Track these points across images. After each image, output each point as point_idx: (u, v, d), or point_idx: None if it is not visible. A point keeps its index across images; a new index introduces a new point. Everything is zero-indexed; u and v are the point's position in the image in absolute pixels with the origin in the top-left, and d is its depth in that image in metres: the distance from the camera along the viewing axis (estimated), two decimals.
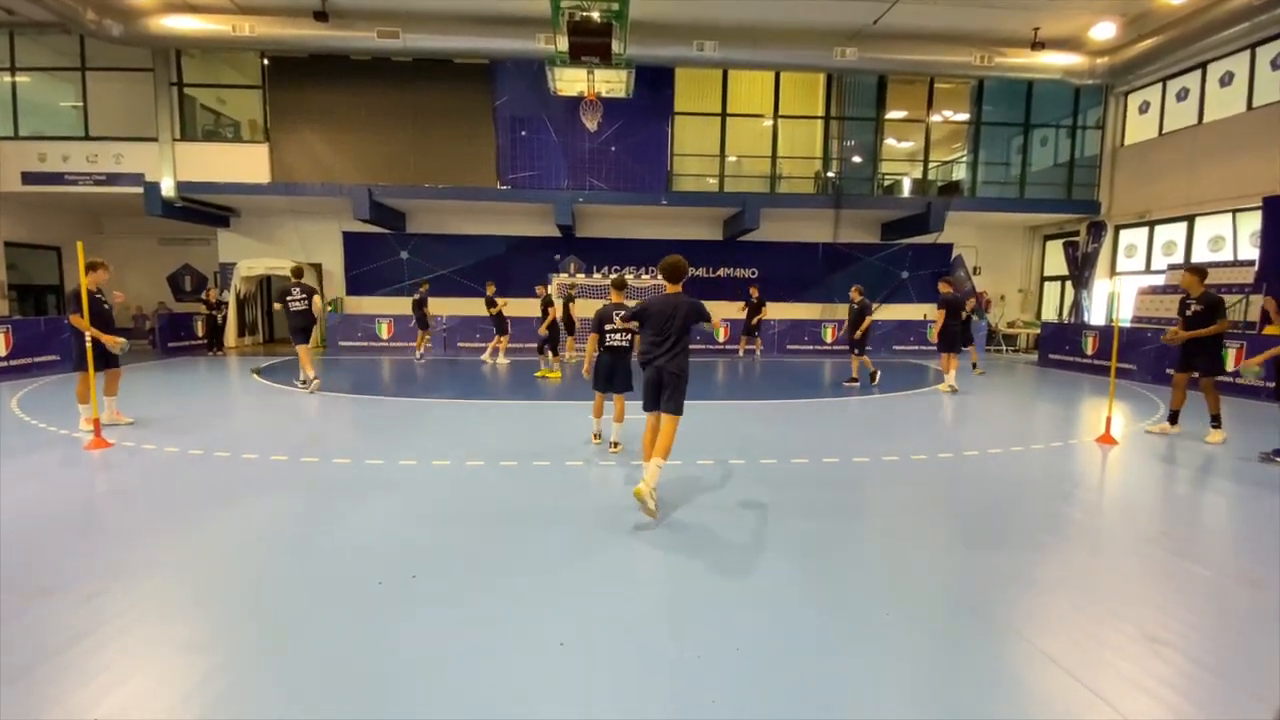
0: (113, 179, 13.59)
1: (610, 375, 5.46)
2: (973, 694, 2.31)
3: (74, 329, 6.05)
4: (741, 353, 14.42)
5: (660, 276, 4.38)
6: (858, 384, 9.79)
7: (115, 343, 6.19)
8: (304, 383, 8.70)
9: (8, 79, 13.63)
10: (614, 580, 3.20)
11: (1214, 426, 6.25)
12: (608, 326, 5.32)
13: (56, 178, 13.52)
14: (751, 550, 3.58)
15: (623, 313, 5.14)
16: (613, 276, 5.74)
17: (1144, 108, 14.39)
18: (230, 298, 14.68)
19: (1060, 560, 3.55)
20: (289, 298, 8.57)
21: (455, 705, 2.21)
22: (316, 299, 8.62)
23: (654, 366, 4.24)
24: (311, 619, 2.79)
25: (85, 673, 2.36)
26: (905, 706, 2.24)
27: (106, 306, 6.35)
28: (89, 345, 5.82)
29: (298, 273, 8.82)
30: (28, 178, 13.51)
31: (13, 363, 10.26)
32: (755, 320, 13.85)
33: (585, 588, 3.10)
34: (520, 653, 2.54)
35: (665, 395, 4.20)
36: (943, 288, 9.68)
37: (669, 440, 4.14)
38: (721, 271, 16.13)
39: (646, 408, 4.36)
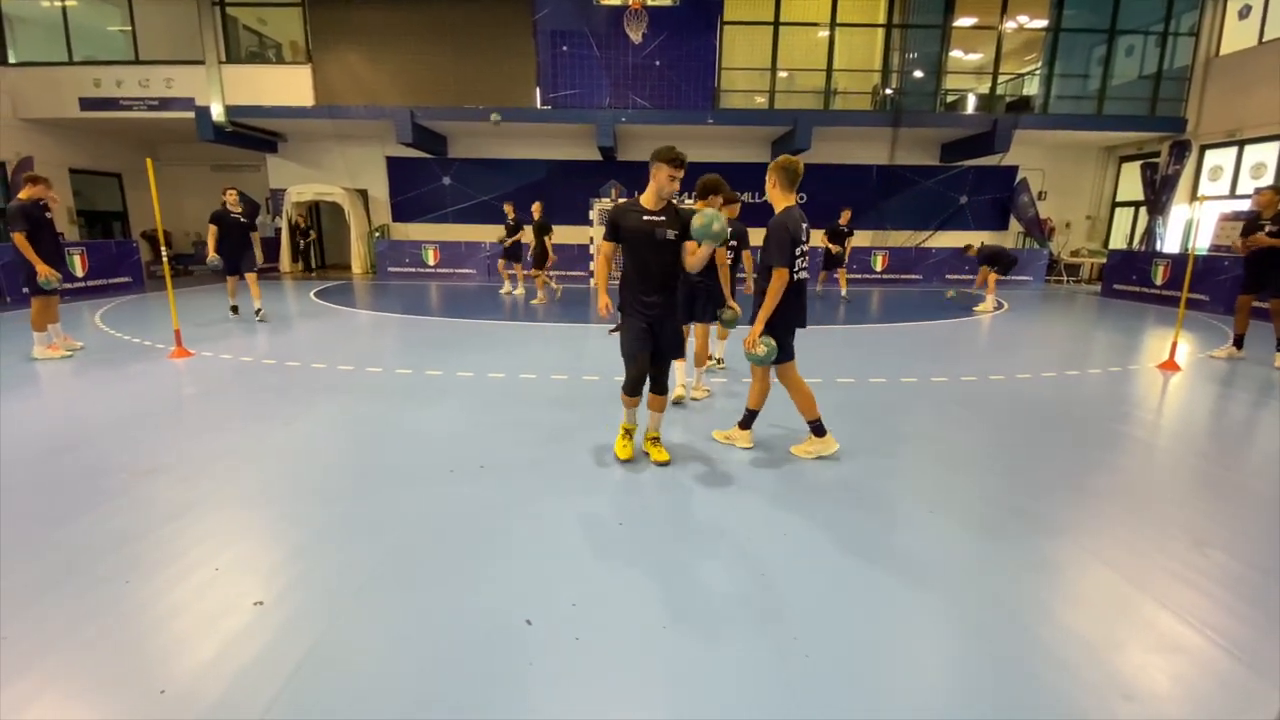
0: (165, 104, 13.79)
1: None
2: (1007, 584, 2.40)
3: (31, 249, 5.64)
4: (820, 289, 12.41)
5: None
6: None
7: (49, 274, 5.72)
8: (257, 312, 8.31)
9: (58, 3, 13.76)
10: (665, 473, 3.36)
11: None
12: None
13: (112, 103, 13.79)
14: (795, 456, 3.69)
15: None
16: (709, 176, 4.18)
17: (1244, 12, 12.87)
18: (283, 224, 15.08)
19: (1111, 473, 3.55)
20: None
21: (525, 569, 2.43)
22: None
23: (690, 284, 4.40)
24: (393, 498, 3.04)
25: (198, 535, 2.67)
26: (938, 593, 2.35)
27: (49, 216, 5.93)
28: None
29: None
30: (85, 104, 13.83)
31: (90, 283, 10.91)
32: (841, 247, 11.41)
33: (638, 478, 3.28)
34: (579, 532, 2.74)
35: (699, 305, 4.55)
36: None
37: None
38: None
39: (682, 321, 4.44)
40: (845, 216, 11.25)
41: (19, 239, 5.58)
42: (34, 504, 2.94)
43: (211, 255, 7.88)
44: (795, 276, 3.36)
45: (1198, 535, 2.76)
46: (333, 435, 3.98)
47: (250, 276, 8.12)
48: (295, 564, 2.45)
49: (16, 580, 2.30)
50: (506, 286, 11.88)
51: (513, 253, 10.93)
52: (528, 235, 10.60)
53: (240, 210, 8.10)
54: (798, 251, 3.34)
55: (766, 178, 3.44)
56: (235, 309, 8.57)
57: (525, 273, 11.09)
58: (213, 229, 7.87)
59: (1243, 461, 3.74)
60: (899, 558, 2.56)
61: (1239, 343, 6.37)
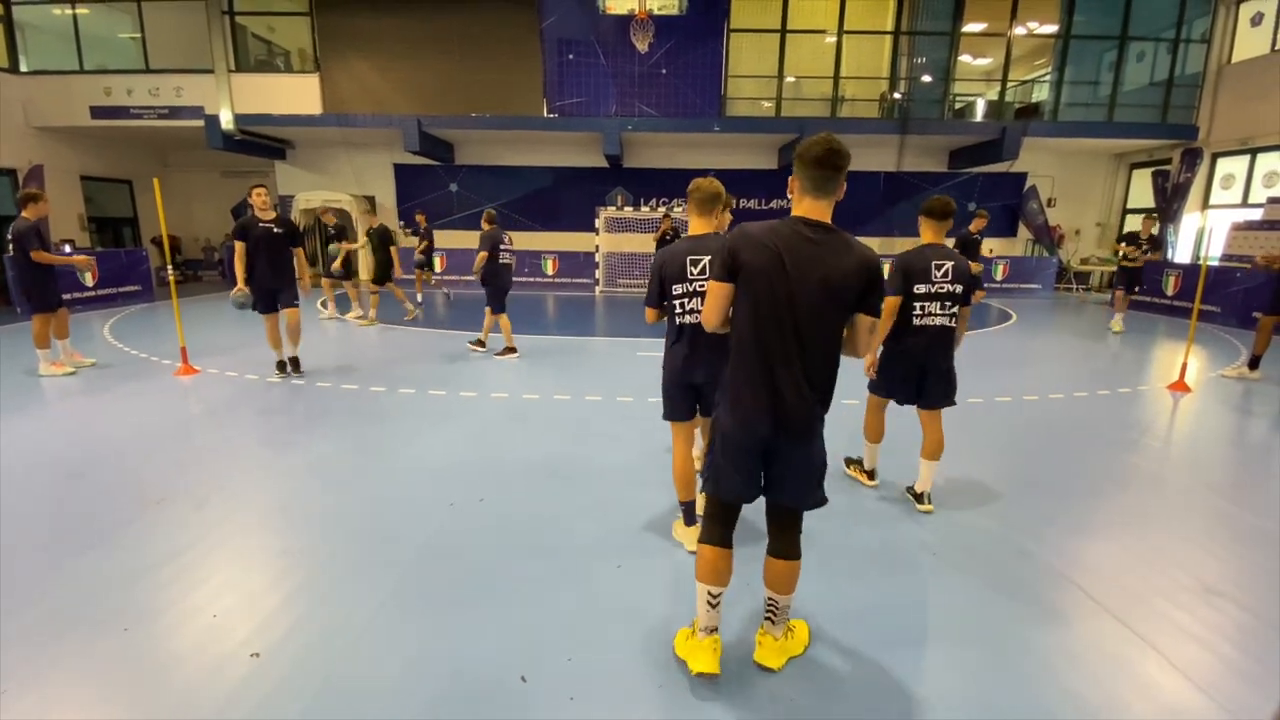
0: (174, 112, 13.88)
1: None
2: (1010, 636, 2.37)
3: (34, 267, 5.80)
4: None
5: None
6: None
7: (85, 261, 6.84)
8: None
9: (69, 11, 13.88)
10: (668, 496, 3.34)
11: None
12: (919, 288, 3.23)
13: (122, 111, 13.89)
14: None
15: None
16: (939, 198, 3.28)
17: (1257, 19, 12.71)
18: None
19: (1119, 508, 3.50)
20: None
21: (522, 618, 2.41)
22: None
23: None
24: (391, 535, 3.03)
25: (197, 576, 2.67)
26: (940, 647, 2.32)
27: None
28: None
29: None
30: (96, 112, 13.93)
31: (100, 292, 10.99)
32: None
33: (638, 510, 3.26)
34: (576, 577, 2.72)
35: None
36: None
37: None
38: (775, 204, 15.56)
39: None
40: (978, 223, 8.08)
41: (39, 254, 5.77)
42: (32, 538, 2.95)
43: (239, 289, 5.84)
44: (679, 321, 2.68)
45: (1207, 581, 2.71)
46: (334, 464, 3.98)
47: (290, 312, 6.02)
48: (291, 610, 2.44)
49: (17, 626, 2.31)
50: (330, 310, 10.43)
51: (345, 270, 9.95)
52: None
53: (273, 218, 5.83)
54: (679, 291, 2.65)
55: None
56: (283, 365, 6.17)
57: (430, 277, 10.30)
58: (240, 248, 5.73)
59: (1254, 497, 3.67)
60: (893, 607, 2.53)
61: (1254, 364, 6.26)
